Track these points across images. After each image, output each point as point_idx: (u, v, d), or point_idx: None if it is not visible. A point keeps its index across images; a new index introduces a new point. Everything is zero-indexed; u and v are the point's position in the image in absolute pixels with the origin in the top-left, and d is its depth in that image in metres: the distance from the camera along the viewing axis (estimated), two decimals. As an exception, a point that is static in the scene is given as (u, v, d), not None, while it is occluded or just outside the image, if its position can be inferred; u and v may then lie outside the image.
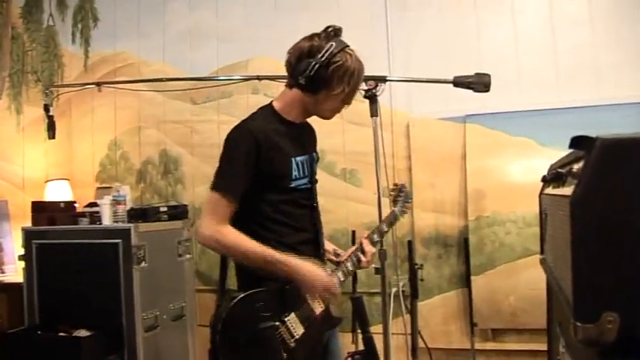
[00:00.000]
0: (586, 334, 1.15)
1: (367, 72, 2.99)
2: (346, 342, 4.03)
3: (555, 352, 1.93)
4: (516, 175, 3.68)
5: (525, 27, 3.82)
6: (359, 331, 3.74)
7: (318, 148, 4.11)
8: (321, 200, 4.04)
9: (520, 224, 3.64)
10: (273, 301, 2.19)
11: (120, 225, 3.84)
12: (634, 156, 1.14)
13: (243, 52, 4.33)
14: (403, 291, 3.71)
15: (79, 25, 4.93)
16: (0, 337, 3.77)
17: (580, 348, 1.29)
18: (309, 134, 2.55)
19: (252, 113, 2.38)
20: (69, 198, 4.67)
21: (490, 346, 3.77)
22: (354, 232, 3.93)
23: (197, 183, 4.38)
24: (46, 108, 4.05)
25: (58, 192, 4.74)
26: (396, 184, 2.90)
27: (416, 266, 3.66)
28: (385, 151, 3.03)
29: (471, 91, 2.96)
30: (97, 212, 3.98)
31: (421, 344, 3.68)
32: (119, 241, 3.71)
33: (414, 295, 3.65)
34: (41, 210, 4.24)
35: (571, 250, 1.17)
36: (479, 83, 2.94)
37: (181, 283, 4.18)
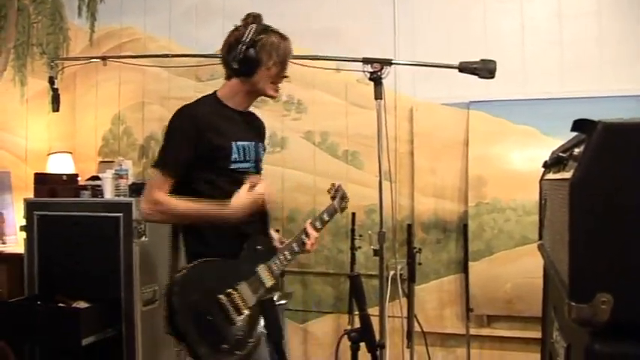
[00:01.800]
0: (580, 314, 1.17)
1: (373, 54, 3.02)
2: (342, 322, 4.08)
3: (549, 338, 1.95)
4: (518, 163, 3.69)
5: (532, 16, 3.81)
6: (355, 312, 3.80)
7: (321, 129, 4.16)
8: (322, 181, 4.11)
9: (519, 212, 3.66)
10: (225, 270, 2.31)
11: (121, 199, 3.86)
12: (634, 140, 1.16)
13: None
14: (401, 274, 3.74)
15: (86, -1, 4.93)
16: (0, 307, 3.80)
17: (573, 329, 1.31)
18: (256, 125, 2.67)
19: (196, 100, 2.50)
20: (71, 171, 4.68)
21: (485, 332, 3.80)
22: (354, 215, 3.95)
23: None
24: (51, 80, 4.05)
25: (60, 165, 4.75)
26: (333, 185, 3.03)
27: (414, 250, 3.69)
28: (388, 135, 3.03)
29: (475, 77, 2.95)
30: (99, 186, 4.01)
31: (417, 328, 3.72)
32: (120, 214, 3.73)
33: (411, 278, 3.68)
34: (43, 182, 4.26)
35: (568, 231, 1.19)
36: (484, 69, 2.94)
37: (181, 258, 4.20)
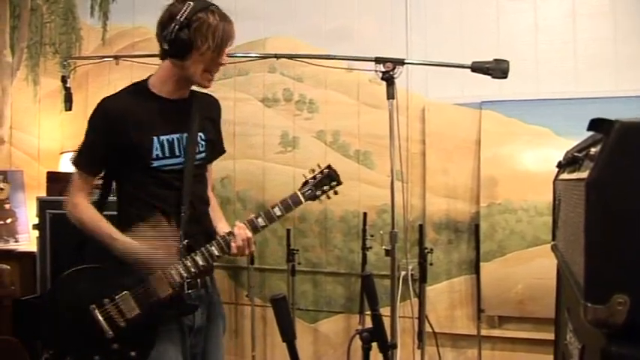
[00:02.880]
0: (596, 315, 1.16)
1: (385, 54, 3.02)
2: (353, 323, 4.08)
3: (562, 339, 1.94)
4: (530, 164, 3.67)
5: (546, 15, 3.78)
6: (366, 312, 3.79)
7: (333, 129, 4.14)
8: (333, 181, 4.10)
9: (532, 213, 3.64)
10: (107, 279, 2.19)
11: (133, 198, 3.87)
12: (652, 140, 1.14)
13: (261, 30, 4.33)
14: (412, 274, 3.73)
15: (99, -1, 4.96)
16: (13, 304, 3.83)
17: (588, 331, 1.29)
18: (197, 112, 2.37)
19: (121, 89, 2.35)
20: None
21: (496, 333, 3.78)
22: (365, 215, 3.94)
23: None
24: (64, 80, 4.06)
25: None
26: (319, 166, 2.70)
27: (426, 250, 3.67)
28: (400, 135, 3.03)
29: (488, 77, 2.95)
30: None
31: (428, 328, 3.70)
32: (132, 213, 3.74)
33: (422, 279, 3.67)
34: (56, 180, 4.28)
35: (584, 232, 1.18)
36: (497, 69, 2.93)
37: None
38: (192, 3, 2.14)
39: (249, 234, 2.32)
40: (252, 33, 4.29)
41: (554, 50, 3.76)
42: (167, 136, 2.26)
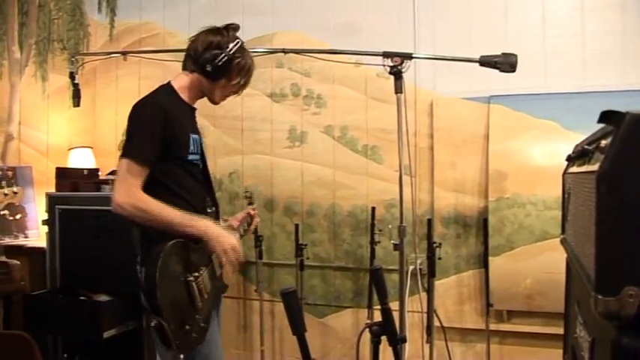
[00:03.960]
0: (606, 307, 1.15)
1: (393, 48, 3.02)
2: (362, 317, 4.08)
3: (572, 332, 1.93)
4: (539, 158, 3.66)
5: (554, 8, 3.77)
6: (375, 307, 3.80)
7: (341, 123, 4.17)
8: (341, 176, 4.11)
9: (540, 207, 3.63)
10: (192, 253, 2.35)
11: (142, 193, 3.88)
12: (664, 132, 1.14)
13: (269, 25, 4.33)
14: (420, 269, 3.73)
15: (106, -5, 4.97)
16: (23, 300, 3.85)
17: (599, 323, 1.29)
18: (194, 116, 2.70)
19: (154, 90, 2.54)
20: (92, 165, 4.72)
21: (505, 327, 3.78)
22: (373, 209, 3.95)
23: (219, 154, 4.40)
24: (72, 76, 4.07)
25: (81, 159, 4.79)
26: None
27: (434, 245, 3.67)
28: (408, 129, 3.03)
29: (496, 71, 2.95)
30: (118, 180, 4.03)
31: (436, 323, 3.70)
32: (141, 208, 3.75)
33: (431, 273, 3.67)
34: (65, 176, 4.31)
35: (595, 224, 1.18)
36: (505, 63, 2.93)
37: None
38: (239, 41, 2.52)
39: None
40: (259, 28, 4.29)
41: (562, 44, 3.74)
42: (194, 135, 2.53)
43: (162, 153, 2.36)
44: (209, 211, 2.57)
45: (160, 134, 2.34)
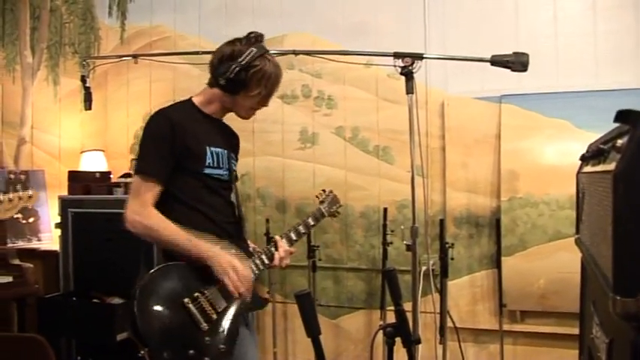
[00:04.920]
0: (625, 309, 1.15)
1: (404, 48, 3.01)
2: (375, 318, 4.08)
3: (588, 333, 1.92)
4: (551, 157, 3.64)
5: (566, 7, 3.75)
6: (388, 308, 3.79)
7: (352, 124, 4.16)
8: (353, 177, 4.11)
9: (553, 206, 3.61)
10: (193, 274, 2.25)
11: (154, 196, 3.89)
12: (681, 131, 1.13)
13: (279, 27, 4.33)
14: (433, 269, 3.71)
15: (117, -1, 4.99)
16: (37, 303, 3.87)
17: (617, 324, 1.28)
18: (230, 135, 2.64)
19: (171, 104, 2.50)
20: (104, 168, 4.74)
21: (518, 327, 3.76)
22: (385, 210, 3.94)
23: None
24: (83, 79, 4.09)
25: (93, 162, 4.82)
26: (324, 190, 3.03)
27: (447, 245, 3.66)
28: (419, 129, 3.02)
29: (507, 70, 2.93)
30: (132, 183, 4.05)
31: (449, 323, 3.69)
32: (153, 211, 3.76)
33: (443, 274, 3.66)
34: (77, 179, 4.33)
35: (612, 225, 1.17)
36: (517, 62, 2.91)
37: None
38: (254, 49, 2.36)
39: (287, 247, 2.57)
40: (270, 30, 4.22)
41: (574, 43, 3.73)
42: (215, 149, 2.44)
43: (177, 166, 2.32)
44: (228, 226, 2.45)
45: (169, 148, 2.29)
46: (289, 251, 2.57)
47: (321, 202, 2.93)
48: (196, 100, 2.49)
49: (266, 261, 2.49)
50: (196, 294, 2.23)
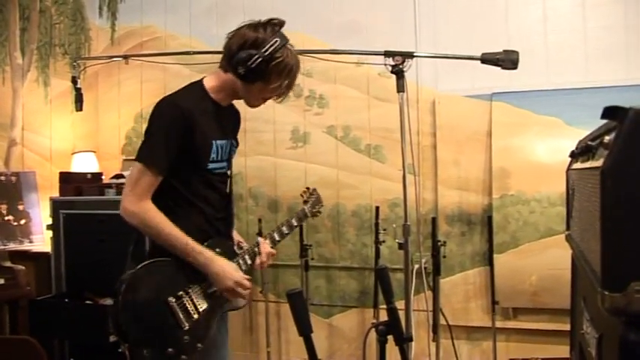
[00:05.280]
0: (613, 303, 1.15)
1: (394, 47, 3.02)
2: (367, 316, 4.08)
3: (578, 329, 1.93)
4: (542, 154, 3.65)
5: (556, 5, 3.76)
6: (381, 306, 3.80)
7: (343, 123, 4.15)
8: (345, 176, 4.11)
9: (544, 203, 3.63)
10: (178, 272, 2.23)
11: (146, 196, 3.89)
12: (667, 127, 1.14)
13: (272, 26, 4.32)
14: (425, 267, 3.72)
15: (107, -1, 4.98)
16: (29, 304, 3.86)
17: (606, 319, 1.29)
18: (234, 118, 2.54)
19: (183, 87, 2.37)
20: (95, 170, 4.73)
21: (511, 324, 3.78)
22: (377, 208, 3.94)
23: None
24: (74, 80, 4.08)
25: (84, 163, 4.80)
26: (308, 188, 3.01)
27: (439, 243, 3.67)
28: (410, 128, 3.03)
29: (498, 68, 2.94)
30: (123, 184, 4.03)
31: (442, 321, 3.70)
32: (145, 212, 3.75)
33: (436, 271, 3.67)
34: (69, 181, 4.32)
35: (600, 220, 1.18)
36: (507, 60, 2.92)
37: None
38: (277, 40, 2.25)
39: (269, 249, 2.53)
40: (260, 29, 4.28)
41: (563, 40, 3.74)
42: (220, 141, 2.37)
43: (180, 158, 2.24)
44: (217, 222, 2.40)
45: (177, 141, 2.21)
46: (271, 253, 2.52)
47: (305, 202, 2.92)
48: (207, 85, 2.36)
49: (249, 261, 2.44)
50: (180, 292, 2.21)
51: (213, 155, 2.32)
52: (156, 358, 2.11)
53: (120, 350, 2.11)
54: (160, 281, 2.19)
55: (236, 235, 2.59)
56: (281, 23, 2.34)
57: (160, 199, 2.24)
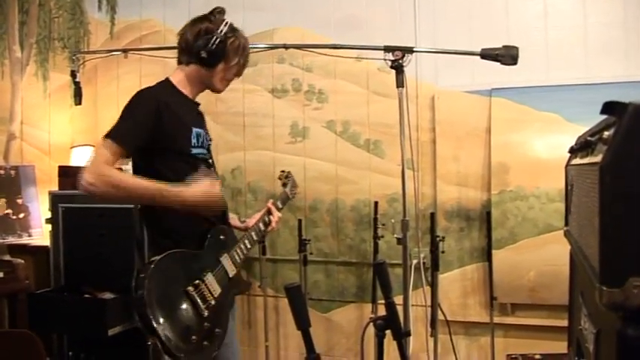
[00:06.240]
0: (611, 299, 1.15)
1: (394, 42, 3.01)
2: (366, 311, 4.09)
3: (576, 325, 1.93)
4: (541, 150, 3.65)
5: (555, 1, 3.76)
6: (379, 301, 3.80)
7: (342, 118, 4.16)
8: (344, 171, 4.11)
9: (543, 199, 3.63)
10: (191, 261, 2.33)
11: (145, 190, 3.89)
12: (666, 122, 1.14)
13: (270, 21, 4.32)
14: (424, 263, 3.72)
15: (106, -8, 4.97)
16: (28, 298, 3.86)
17: (604, 315, 1.29)
18: (202, 115, 2.68)
19: (153, 85, 2.51)
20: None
21: (509, 320, 3.78)
22: (376, 204, 3.94)
23: (221, 150, 4.38)
24: (73, 74, 4.07)
25: (83, 158, 4.79)
26: (283, 171, 3.28)
27: (437, 238, 3.67)
28: (410, 123, 3.03)
29: (497, 64, 2.94)
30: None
31: (440, 316, 3.70)
32: (143, 205, 3.76)
33: (434, 267, 3.67)
34: (68, 174, 4.31)
35: (599, 215, 1.18)
36: (507, 56, 2.92)
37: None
38: (228, 21, 2.50)
39: (279, 213, 2.90)
40: (260, 24, 4.29)
41: (563, 36, 3.74)
42: (197, 129, 2.50)
43: (164, 150, 2.34)
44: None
45: (150, 123, 2.29)
46: (280, 216, 2.88)
47: (284, 185, 3.20)
48: (174, 81, 2.53)
49: (262, 227, 2.78)
50: (197, 281, 2.29)
51: (194, 140, 2.45)
52: (181, 348, 2.15)
53: (149, 344, 2.13)
54: (177, 272, 2.26)
55: (234, 215, 2.82)
56: (221, 11, 2.54)
57: None
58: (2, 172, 4.55)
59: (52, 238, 4.12)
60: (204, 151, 2.53)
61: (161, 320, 2.12)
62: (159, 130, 2.32)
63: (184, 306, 2.23)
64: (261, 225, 2.77)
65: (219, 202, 2.41)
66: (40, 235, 4.63)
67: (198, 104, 2.62)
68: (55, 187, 4.33)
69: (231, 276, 2.48)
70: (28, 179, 4.71)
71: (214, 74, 2.51)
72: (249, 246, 2.66)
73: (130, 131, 2.29)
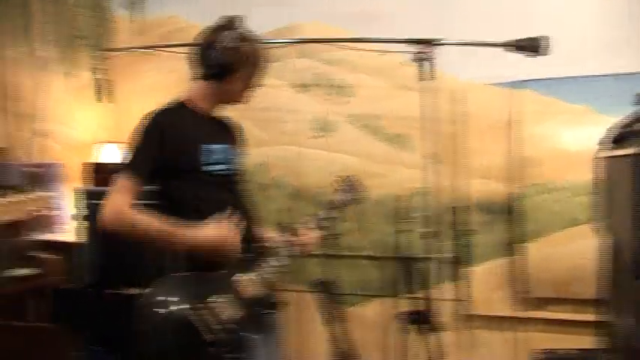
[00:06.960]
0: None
1: (417, 35, 2.99)
2: (391, 306, 4.06)
3: (607, 318, 1.91)
4: (569, 143, 3.61)
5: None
6: (404, 295, 3.79)
7: (365, 112, 4.12)
8: (368, 165, 4.09)
9: (572, 192, 3.59)
10: (195, 285, 2.26)
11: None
12: (702, 113, 1.11)
13: (290, 16, 4.31)
14: (451, 257, 3.70)
15: (129, -10, 4.99)
16: (54, 293, 3.90)
17: (636, 309, 1.27)
18: (227, 129, 2.62)
19: (159, 107, 2.45)
20: (119, 160, 4.75)
21: (537, 314, 3.75)
22: (402, 197, 3.92)
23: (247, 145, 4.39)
24: (96, 71, 4.10)
25: (108, 154, 4.83)
26: (339, 177, 3.05)
27: (464, 232, 3.65)
28: (434, 117, 3.00)
29: (522, 55, 2.91)
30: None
31: (468, 311, 3.68)
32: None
33: (460, 261, 3.65)
34: (94, 171, 4.35)
35: (632, 208, 1.15)
36: (532, 47, 2.89)
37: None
38: (226, 32, 2.40)
39: (312, 234, 2.68)
40: (280, 19, 4.28)
41: (592, 25, 3.67)
42: (210, 145, 2.41)
43: (170, 169, 2.32)
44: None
45: (156, 150, 2.29)
46: (311, 235, 2.65)
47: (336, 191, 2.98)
48: (186, 97, 2.49)
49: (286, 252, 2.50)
50: (200, 304, 2.22)
51: (205, 157, 2.38)
52: None
53: None
54: (177, 296, 2.22)
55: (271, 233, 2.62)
56: (227, 22, 2.46)
57: (168, 213, 2.27)
58: (28, 169, 4.59)
59: (80, 235, 4.15)
60: (224, 167, 2.46)
61: (157, 350, 2.15)
62: (163, 151, 2.30)
63: (185, 331, 2.17)
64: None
65: (232, 250, 2.30)
66: (69, 231, 4.67)
67: (216, 119, 2.56)
68: (80, 184, 4.36)
69: (246, 298, 2.32)
70: (55, 176, 4.75)
71: (226, 87, 2.44)
72: (277, 263, 2.47)
73: (139, 163, 2.30)
